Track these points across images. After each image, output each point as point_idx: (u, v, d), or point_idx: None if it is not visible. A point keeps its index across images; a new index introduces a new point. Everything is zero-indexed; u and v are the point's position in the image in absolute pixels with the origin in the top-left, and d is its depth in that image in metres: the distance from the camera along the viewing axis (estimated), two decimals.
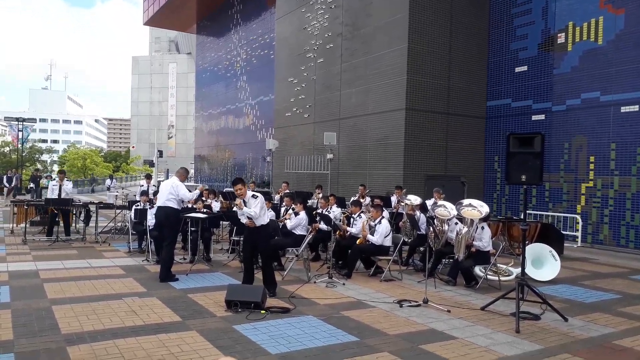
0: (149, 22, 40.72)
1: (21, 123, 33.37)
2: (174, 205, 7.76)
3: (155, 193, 10.58)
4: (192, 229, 9.29)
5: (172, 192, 7.70)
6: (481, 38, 16.54)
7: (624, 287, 8.23)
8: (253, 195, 6.82)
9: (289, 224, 8.76)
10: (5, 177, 23.59)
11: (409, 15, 15.00)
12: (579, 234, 13.52)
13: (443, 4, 15.63)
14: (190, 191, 8.11)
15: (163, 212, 7.72)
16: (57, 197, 11.76)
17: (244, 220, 6.89)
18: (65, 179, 12.75)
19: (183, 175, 8.03)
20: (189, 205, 9.75)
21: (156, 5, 36.68)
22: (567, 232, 13.69)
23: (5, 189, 23.05)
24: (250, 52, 29.43)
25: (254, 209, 6.69)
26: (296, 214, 8.80)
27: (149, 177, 14.17)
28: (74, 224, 12.65)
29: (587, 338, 5.41)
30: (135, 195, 13.37)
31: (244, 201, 6.72)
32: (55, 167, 51.42)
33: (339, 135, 17.27)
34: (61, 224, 11.99)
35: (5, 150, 50.95)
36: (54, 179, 12.70)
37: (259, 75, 28.22)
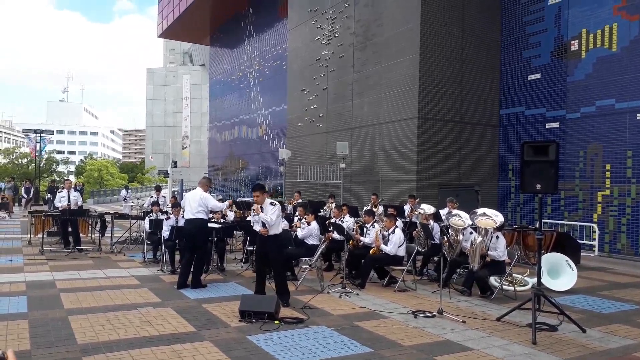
0: (164, 35, 41.34)
1: (39, 135, 33.98)
2: (204, 216, 7.93)
3: (174, 206, 10.64)
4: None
5: (201, 204, 7.82)
6: (493, 46, 16.50)
7: None
8: (271, 203, 6.95)
9: (300, 233, 8.81)
10: (23, 188, 24.00)
11: (420, 24, 15.03)
12: (595, 243, 13.31)
13: (455, 13, 15.64)
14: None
15: (194, 224, 7.81)
16: (66, 205, 11.87)
17: (257, 227, 6.95)
18: (72, 188, 12.86)
19: (206, 185, 8.13)
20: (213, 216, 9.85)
21: (170, 18, 37.27)
22: (584, 241, 13.49)
23: (24, 200, 23.43)
24: (263, 63, 29.69)
25: (270, 216, 6.78)
26: (308, 223, 8.84)
27: (158, 188, 14.37)
28: (89, 234, 12.80)
29: (606, 350, 5.32)
30: (147, 206, 13.51)
31: (261, 207, 6.82)
32: (72, 178, 52.19)
33: (352, 144, 17.28)
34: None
35: (23, 162, 51.85)
36: (62, 189, 12.82)
37: (272, 85, 28.44)
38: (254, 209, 6.81)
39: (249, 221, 10.59)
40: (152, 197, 13.62)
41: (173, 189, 30.53)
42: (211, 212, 9.53)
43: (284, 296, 6.81)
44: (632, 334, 5.90)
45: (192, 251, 7.86)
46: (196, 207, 7.79)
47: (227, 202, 9.57)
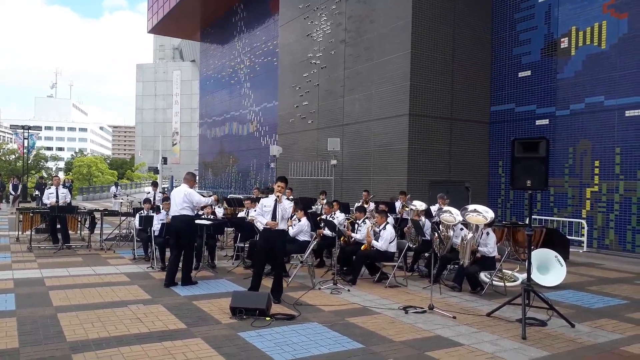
0: (153, 30, 41.00)
1: (27, 131, 33.59)
2: (189, 212, 7.87)
3: (165, 199, 10.56)
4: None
5: (185, 200, 7.78)
6: (484, 43, 16.56)
7: (631, 292, 8.17)
8: (287, 198, 7.04)
9: (291, 231, 8.78)
10: (11, 184, 23.72)
11: (412, 21, 15.03)
12: (584, 238, 13.45)
13: (446, 10, 15.66)
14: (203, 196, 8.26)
15: (179, 221, 7.76)
16: (55, 202, 11.73)
17: (263, 220, 6.92)
18: (61, 184, 12.70)
19: (191, 180, 8.06)
20: (199, 212, 9.77)
21: (160, 14, 36.95)
22: (573, 237, 13.61)
23: (11, 197, 23.17)
24: (254, 59, 29.56)
25: (288, 208, 6.97)
26: (298, 220, 8.83)
27: (155, 184, 14.17)
28: (78, 231, 12.67)
29: (595, 344, 5.37)
30: (140, 203, 13.39)
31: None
32: (61, 174, 51.67)
33: (343, 141, 17.28)
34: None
35: (11, 158, 51.19)
36: (50, 186, 12.65)
37: (263, 82, 28.33)
38: (277, 193, 6.83)
39: (240, 218, 10.59)
40: (149, 192, 13.44)
41: (163, 186, 30.35)
42: (201, 208, 9.48)
43: (278, 293, 6.82)
44: (620, 329, 5.97)
45: (179, 248, 7.82)
46: (181, 204, 7.74)
47: (212, 197, 9.53)
